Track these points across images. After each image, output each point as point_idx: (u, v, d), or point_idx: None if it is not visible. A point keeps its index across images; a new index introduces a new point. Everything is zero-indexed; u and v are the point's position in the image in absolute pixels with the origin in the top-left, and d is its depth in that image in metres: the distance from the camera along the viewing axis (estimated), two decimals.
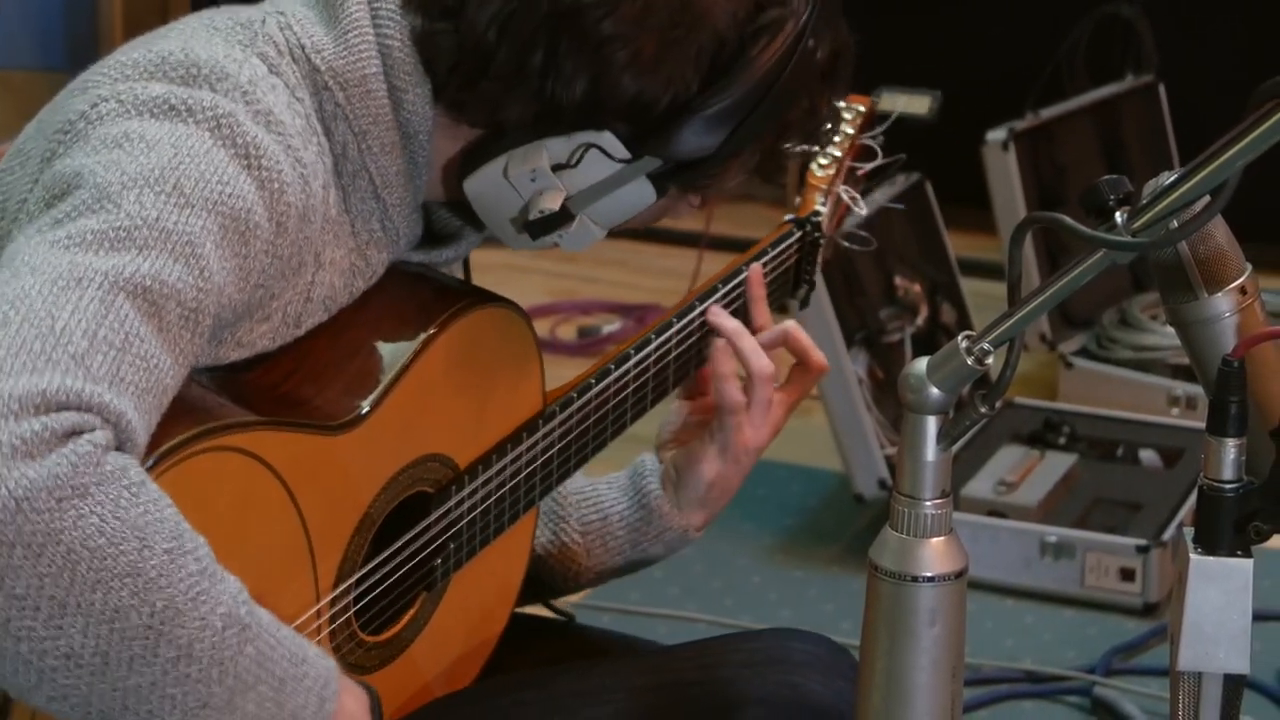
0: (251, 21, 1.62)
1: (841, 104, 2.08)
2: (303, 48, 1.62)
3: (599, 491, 1.93)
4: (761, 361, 1.85)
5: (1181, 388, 3.86)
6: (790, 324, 1.91)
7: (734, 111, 1.62)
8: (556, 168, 1.64)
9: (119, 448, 1.36)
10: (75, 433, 1.33)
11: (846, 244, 2.13)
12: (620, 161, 1.64)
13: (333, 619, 1.63)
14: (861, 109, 2.10)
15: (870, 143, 2.09)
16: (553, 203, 1.65)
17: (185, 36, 1.60)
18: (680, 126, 1.62)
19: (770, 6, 1.63)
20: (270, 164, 1.52)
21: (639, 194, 1.65)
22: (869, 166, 2.09)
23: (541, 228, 1.66)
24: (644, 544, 1.91)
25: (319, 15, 1.64)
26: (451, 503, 1.71)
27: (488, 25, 1.60)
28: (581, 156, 1.63)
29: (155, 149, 1.49)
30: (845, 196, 2.08)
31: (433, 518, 1.70)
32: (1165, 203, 1.37)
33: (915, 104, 2.13)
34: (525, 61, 1.60)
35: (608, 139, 1.62)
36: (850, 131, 2.08)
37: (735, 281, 1.92)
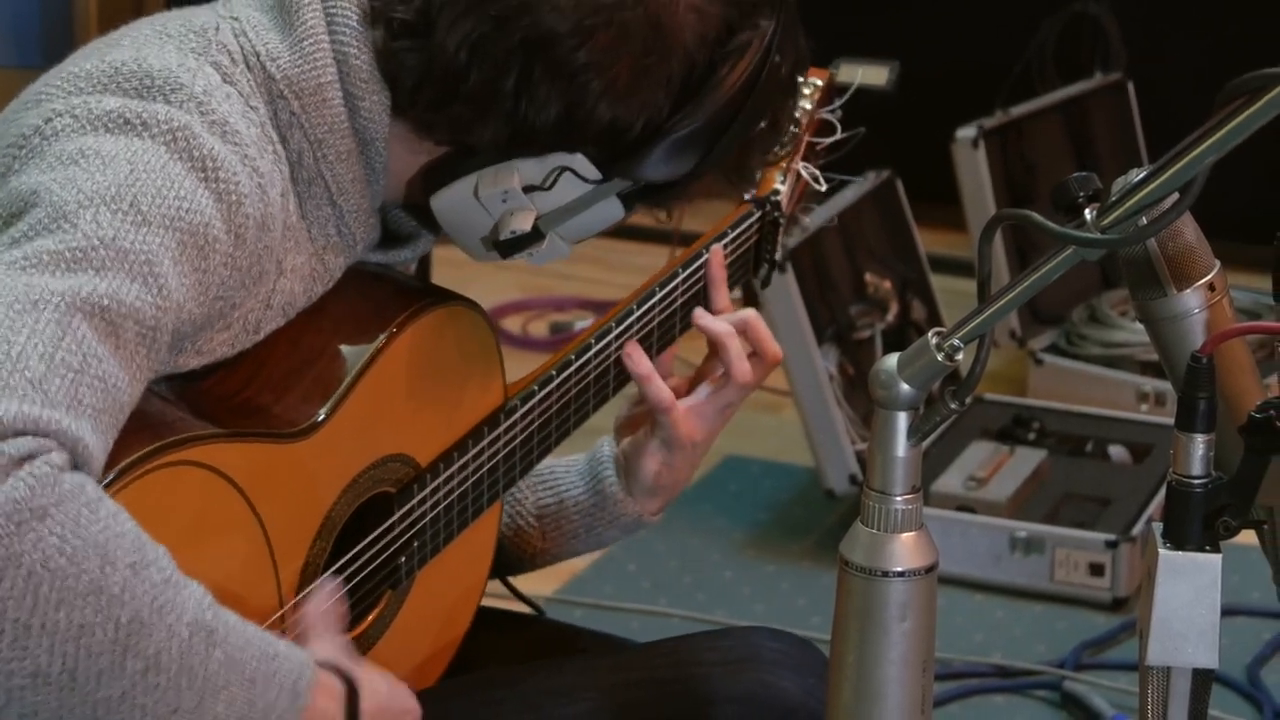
0: (205, 28, 1.60)
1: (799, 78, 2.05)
2: (257, 55, 1.60)
3: (556, 475, 1.93)
4: (743, 366, 1.83)
5: (1150, 384, 3.87)
6: (750, 312, 1.88)
7: (705, 133, 1.62)
8: (528, 188, 1.64)
9: (75, 468, 1.35)
10: (31, 457, 1.32)
11: (808, 221, 2.11)
12: (592, 182, 1.64)
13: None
14: (819, 82, 2.05)
15: (829, 117, 2.05)
16: (524, 223, 1.65)
17: (138, 45, 1.58)
18: (652, 150, 1.62)
19: (742, 30, 1.62)
20: (227, 176, 1.51)
21: (608, 212, 1.66)
22: (828, 141, 2.04)
23: (512, 247, 1.66)
24: (598, 528, 1.91)
25: (273, 21, 1.62)
26: (414, 501, 1.71)
27: (458, 48, 1.59)
28: (555, 180, 1.63)
29: (111, 165, 1.47)
30: (805, 174, 2.04)
31: (395, 516, 1.69)
32: (1134, 199, 1.37)
33: (874, 74, 2.09)
34: (498, 86, 1.59)
35: (580, 161, 1.62)
36: (808, 106, 2.04)
37: (696, 265, 1.92)
